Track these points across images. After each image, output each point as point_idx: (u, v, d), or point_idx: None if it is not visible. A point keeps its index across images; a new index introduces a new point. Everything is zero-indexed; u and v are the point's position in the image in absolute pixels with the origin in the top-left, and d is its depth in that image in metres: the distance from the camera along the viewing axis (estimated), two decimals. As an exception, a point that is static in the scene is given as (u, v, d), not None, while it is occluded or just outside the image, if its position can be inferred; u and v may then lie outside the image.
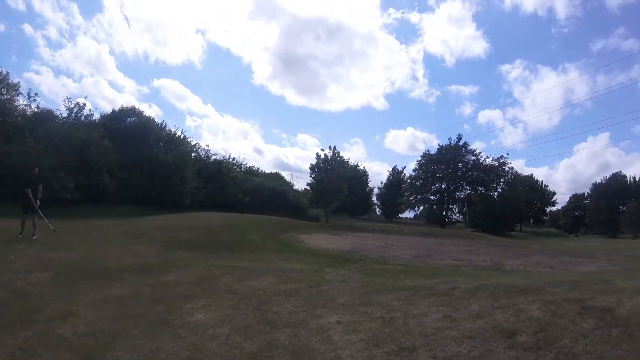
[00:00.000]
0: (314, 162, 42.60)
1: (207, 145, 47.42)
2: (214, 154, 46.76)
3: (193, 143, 43.08)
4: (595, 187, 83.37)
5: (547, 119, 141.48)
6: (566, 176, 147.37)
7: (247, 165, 60.34)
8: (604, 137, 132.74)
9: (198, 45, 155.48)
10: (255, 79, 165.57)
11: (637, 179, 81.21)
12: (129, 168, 32.90)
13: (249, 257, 12.96)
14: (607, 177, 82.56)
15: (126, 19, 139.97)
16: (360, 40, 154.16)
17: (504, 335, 5.06)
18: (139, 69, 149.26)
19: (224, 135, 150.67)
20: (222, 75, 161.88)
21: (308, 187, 45.52)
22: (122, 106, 38.04)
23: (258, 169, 63.46)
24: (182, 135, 40.36)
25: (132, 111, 37.29)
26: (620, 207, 77.41)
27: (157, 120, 40.51)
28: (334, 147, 42.34)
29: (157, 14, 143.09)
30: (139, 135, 34.79)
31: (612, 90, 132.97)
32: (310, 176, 42.52)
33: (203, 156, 45.37)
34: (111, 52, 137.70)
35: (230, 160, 53.27)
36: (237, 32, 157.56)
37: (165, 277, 9.57)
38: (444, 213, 63.59)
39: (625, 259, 20.09)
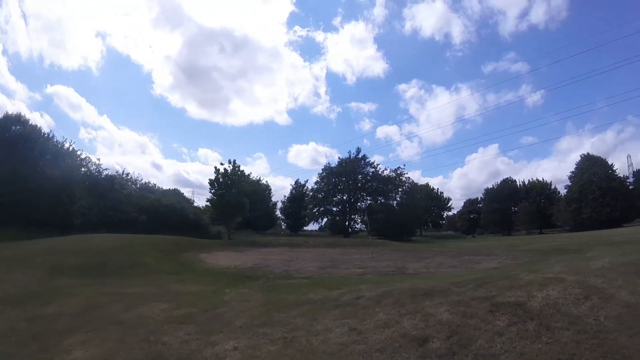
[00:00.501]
0: (213, 177, 40.99)
1: (99, 159, 43.73)
2: (106, 169, 43.09)
3: (83, 156, 39.43)
4: (488, 192, 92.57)
5: (441, 133, 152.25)
6: (460, 184, 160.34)
7: (143, 181, 57.04)
8: (493, 148, 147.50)
9: (97, 49, 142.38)
10: (156, 89, 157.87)
11: (526, 182, 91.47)
12: (10, 183, 29.15)
13: (142, 281, 11.85)
14: (498, 183, 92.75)
15: (24, 16, 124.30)
16: (265, 55, 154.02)
17: (415, 344, 4.87)
18: (32, 72, 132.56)
19: (121, 149, 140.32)
20: (120, 83, 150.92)
21: (209, 204, 43.64)
22: (7, 113, 33.97)
23: (155, 185, 60.17)
24: (71, 148, 36.62)
25: (17, 119, 33.33)
26: (512, 208, 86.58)
27: (45, 130, 36.04)
28: (234, 161, 40.94)
29: (58, 11, 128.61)
30: (22, 147, 31.00)
31: (500, 107, 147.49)
32: (210, 191, 40.65)
33: (94, 171, 41.71)
34: (4, 52, 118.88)
35: (124, 175, 49.87)
36: (139, 39, 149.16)
37: (46, 309, 8.45)
38: (346, 223, 64.74)
39: (523, 253, 21.12)
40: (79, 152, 38.74)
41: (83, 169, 39.62)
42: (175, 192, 64.89)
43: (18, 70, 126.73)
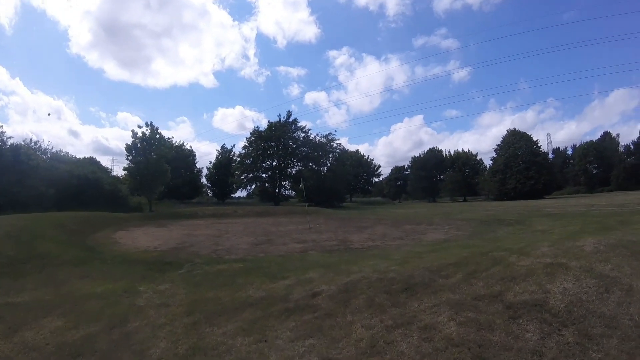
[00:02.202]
0: (130, 142, 36.91)
1: (1, 127, 37.94)
2: (10, 137, 36.82)
3: None
4: (415, 160, 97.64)
5: (368, 102, 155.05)
6: (385, 151, 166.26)
7: (54, 150, 51.06)
8: (418, 119, 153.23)
9: (10, 4, 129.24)
10: (72, 47, 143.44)
11: (452, 153, 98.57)
12: None
13: (36, 280, 9.32)
14: (425, 152, 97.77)
15: None
16: (192, 13, 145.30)
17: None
18: None
19: (35, 116, 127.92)
20: (34, 42, 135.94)
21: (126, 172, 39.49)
22: None
23: (67, 153, 54.22)
24: None
25: None
26: (438, 176, 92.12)
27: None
28: (151, 123, 37.07)
29: None
30: None
31: (428, 80, 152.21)
32: (127, 158, 36.60)
33: None
34: None
35: (32, 144, 44.14)
36: None
37: None
38: (276, 190, 63.05)
39: (465, 223, 21.15)
40: None
41: None
42: (91, 161, 59.54)
43: None
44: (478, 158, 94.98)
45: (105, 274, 9.57)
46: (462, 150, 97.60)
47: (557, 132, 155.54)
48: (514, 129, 79.63)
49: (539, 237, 11.62)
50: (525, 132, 77.73)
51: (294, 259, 10.98)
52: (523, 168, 70.78)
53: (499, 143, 79.74)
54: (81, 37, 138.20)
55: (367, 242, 14.69)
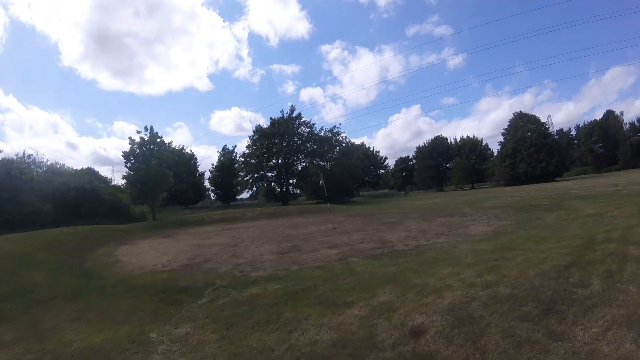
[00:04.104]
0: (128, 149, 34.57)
1: None
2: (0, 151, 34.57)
3: None
4: (420, 150, 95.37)
5: (365, 95, 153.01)
6: (384, 144, 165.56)
7: (49, 162, 48.39)
8: (415, 109, 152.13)
9: None
10: (63, 60, 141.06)
11: (457, 140, 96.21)
12: None
13: (17, 328, 7.09)
14: (430, 140, 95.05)
15: None
16: (182, 17, 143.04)
17: None
18: None
19: (31, 132, 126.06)
20: (26, 58, 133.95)
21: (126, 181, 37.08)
22: None
23: (64, 165, 51.61)
24: None
25: None
26: (444, 164, 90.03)
27: None
28: (151, 128, 34.72)
29: None
30: None
31: (422, 68, 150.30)
32: (126, 166, 34.29)
33: None
34: None
35: (25, 158, 41.86)
36: (44, 6, 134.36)
37: None
38: (284, 189, 60.65)
39: (500, 211, 19.43)
40: None
41: None
42: (89, 172, 57.00)
43: None
44: (484, 144, 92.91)
45: (105, 313, 7.36)
46: (468, 137, 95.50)
47: (556, 114, 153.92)
48: (520, 111, 77.85)
49: (610, 221, 11.03)
50: (533, 114, 75.65)
51: (341, 272, 8.82)
52: (533, 151, 69.19)
53: (506, 127, 77.89)
54: (72, 50, 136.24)
55: (410, 241, 12.71)
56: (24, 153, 44.21)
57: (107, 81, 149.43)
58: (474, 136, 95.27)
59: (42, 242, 16.46)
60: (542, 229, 12.20)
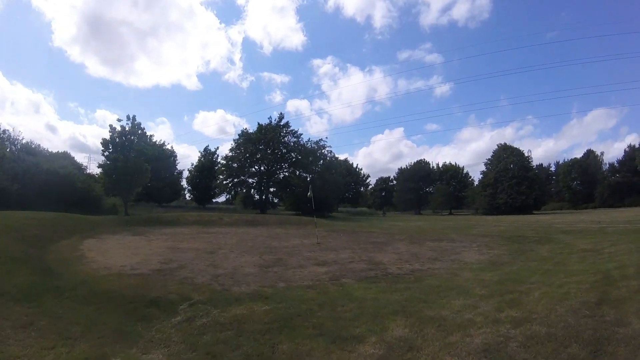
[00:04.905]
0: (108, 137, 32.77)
1: None
2: None
3: None
4: (402, 171, 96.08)
5: (350, 112, 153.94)
6: (364, 162, 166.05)
7: (24, 140, 45.87)
8: (399, 131, 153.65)
9: None
10: (54, 40, 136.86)
11: (439, 165, 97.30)
12: None
13: None
14: (412, 163, 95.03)
15: None
16: (179, 13, 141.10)
17: None
18: None
19: (12, 108, 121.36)
20: (17, 32, 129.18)
21: (101, 170, 35.11)
22: None
23: (39, 145, 48.76)
24: None
25: None
26: (425, 188, 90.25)
27: None
28: (134, 117, 33.08)
29: None
30: None
31: (410, 93, 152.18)
32: (103, 154, 32.18)
33: None
34: None
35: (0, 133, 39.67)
36: None
37: None
38: (263, 197, 59.04)
39: (489, 239, 19.17)
40: None
41: None
42: (64, 156, 54.55)
43: None
44: (465, 172, 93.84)
45: (59, 323, 6.13)
46: (450, 163, 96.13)
47: (536, 149, 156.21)
48: (505, 143, 79.36)
49: (611, 257, 11.13)
50: (516, 147, 76.90)
51: (337, 296, 7.89)
52: (515, 183, 70.53)
53: (489, 157, 78.96)
54: (65, 31, 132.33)
55: (404, 264, 11.98)
56: (-1, 127, 41.86)
57: (95, 67, 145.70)
58: (455, 163, 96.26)
59: (2, 225, 14.96)
60: (541, 262, 11.79)
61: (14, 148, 41.13)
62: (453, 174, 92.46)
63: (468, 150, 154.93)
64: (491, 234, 21.47)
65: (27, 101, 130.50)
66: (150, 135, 38.93)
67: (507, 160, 74.07)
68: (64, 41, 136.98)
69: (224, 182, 59.63)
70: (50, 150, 52.34)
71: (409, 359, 4.66)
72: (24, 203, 27.26)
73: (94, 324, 6.07)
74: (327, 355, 4.84)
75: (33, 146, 45.91)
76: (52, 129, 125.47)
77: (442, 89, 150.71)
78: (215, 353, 5.01)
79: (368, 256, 13.73)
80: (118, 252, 13.67)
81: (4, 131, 41.79)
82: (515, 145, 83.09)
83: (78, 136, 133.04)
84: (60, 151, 56.44)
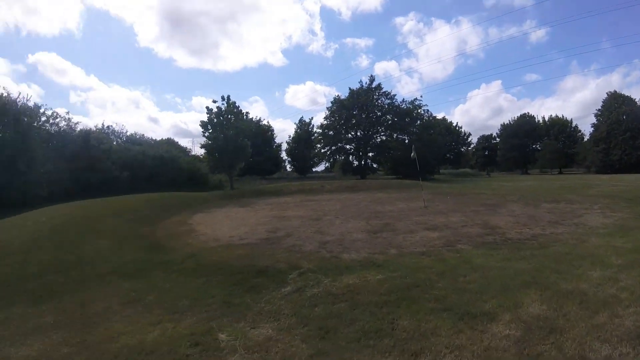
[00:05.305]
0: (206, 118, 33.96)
1: (68, 113, 36.22)
2: (77, 123, 34.84)
3: (48, 112, 31.33)
4: (505, 127, 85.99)
5: (442, 69, 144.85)
6: (462, 120, 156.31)
7: (128, 133, 49.54)
8: (496, 84, 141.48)
9: (74, 9, 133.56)
10: (140, 42, 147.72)
11: (546, 118, 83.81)
12: None
13: (60, 310, 5.77)
14: (515, 118, 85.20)
15: None
16: None
17: None
18: (10, 45, 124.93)
19: (114, 107, 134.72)
20: (103, 41, 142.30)
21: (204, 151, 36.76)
22: None
23: (143, 135, 52.57)
24: (21, 102, 28.32)
25: None
26: (532, 145, 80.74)
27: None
28: (228, 97, 33.83)
29: None
30: None
31: (503, 42, 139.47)
32: (204, 135, 33.68)
33: (65, 129, 33.40)
34: None
35: (104, 129, 42.94)
36: None
37: None
38: (362, 163, 58.11)
39: (610, 200, 16.51)
40: (41, 108, 30.45)
41: (49, 127, 31.75)
42: (169, 142, 58.32)
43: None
44: (573, 125, 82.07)
45: (166, 297, 5.87)
46: (557, 116, 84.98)
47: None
48: (615, 91, 66.90)
49: None
50: (628, 95, 65.07)
51: (456, 264, 6.96)
52: (629, 137, 59.45)
53: (599, 108, 68.17)
54: (147, 31, 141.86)
55: (522, 228, 10.61)
56: (102, 124, 45.43)
57: (183, 59, 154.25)
58: (562, 116, 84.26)
59: (114, 209, 15.76)
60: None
61: (119, 141, 44.33)
62: (561, 128, 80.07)
63: (573, 102, 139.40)
64: (611, 195, 18.65)
65: (127, 99, 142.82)
66: (246, 113, 39.62)
67: (619, 110, 63.48)
68: (149, 40, 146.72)
69: (322, 150, 59.77)
70: (154, 138, 55.90)
71: (552, 344, 3.74)
72: (135, 189, 29.08)
73: (201, 297, 5.73)
74: (455, 334, 4.03)
75: (138, 137, 49.33)
76: (154, 120, 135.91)
77: (538, 34, 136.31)
78: (328, 328, 4.35)
79: (481, 219, 12.38)
80: (226, 224, 13.72)
81: (108, 127, 45.25)
82: (624, 93, 69.42)
83: (179, 123, 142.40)
84: (164, 138, 60.21)
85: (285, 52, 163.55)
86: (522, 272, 6.13)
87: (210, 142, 33.77)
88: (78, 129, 34.35)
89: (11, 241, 10.11)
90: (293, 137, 67.35)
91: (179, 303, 5.54)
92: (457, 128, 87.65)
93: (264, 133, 60.98)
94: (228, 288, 6.09)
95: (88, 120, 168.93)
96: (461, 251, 7.97)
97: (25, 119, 27.52)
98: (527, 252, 7.67)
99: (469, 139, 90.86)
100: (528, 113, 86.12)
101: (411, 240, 9.35)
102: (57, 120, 32.90)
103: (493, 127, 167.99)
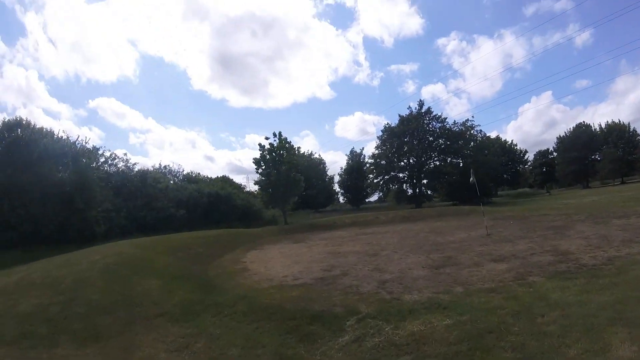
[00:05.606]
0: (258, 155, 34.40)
1: (126, 154, 38.09)
2: (135, 164, 37.08)
3: (107, 154, 33.54)
4: (561, 140, 79.66)
5: (489, 86, 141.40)
6: (516, 137, 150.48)
7: (185, 172, 51.20)
8: (546, 96, 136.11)
9: (130, 57, 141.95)
10: (194, 84, 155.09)
11: (602, 126, 77.14)
12: (10, 197, 23.56)
13: (108, 349, 5.62)
14: (571, 129, 79.13)
15: (51, 41, 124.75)
16: (296, 31, 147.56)
17: None
18: (71, 91, 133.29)
19: (172, 148, 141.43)
20: (159, 85, 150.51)
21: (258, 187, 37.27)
22: (5, 119, 27.48)
23: (199, 173, 54.22)
24: (80, 144, 30.21)
25: (16, 123, 27.58)
26: (591, 156, 74.67)
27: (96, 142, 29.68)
28: (280, 133, 34.38)
29: (83, 29, 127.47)
30: (20, 153, 24.86)
31: (548, 50, 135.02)
32: (257, 171, 34.36)
33: (124, 169, 35.48)
34: (41, 78, 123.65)
35: (161, 169, 44.52)
36: (169, 38, 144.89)
37: None
38: (416, 190, 56.77)
39: None
40: (100, 150, 32.50)
41: (108, 168, 33.74)
42: (224, 179, 59.59)
43: (57, 92, 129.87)
44: (631, 129, 74.20)
45: (215, 345, 5.48)
46: (613, 122, 77.86)
47: None
48: None
49: None
50: None
51: (530, 301, 6.17)
52: None
53: None
54: (200, 74, 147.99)
55: (596, 252, 9.67)
56: (159, 164, 47.14)
57: (235, 99, 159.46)
58: (619, 121, 77.05)
59: (167, 247, 15.80)
60: None
61: (176, 179, 45.73)
62: (619, 134, 73.97)
63: (627, 104, 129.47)
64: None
65: (184, 139, 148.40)
66: (298, 148, 40.04)
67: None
68: (202, 83, 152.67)
69: (375, 180, 59.16)
70: (210, 176, 57.32)
71: None
72: (191, 225, 29.75)
73: (252, 346, 5.32)
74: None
75: (194, 175, 50.72)
76: (209, 158, 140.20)
77: (582, 37, 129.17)
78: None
79: (551, 245, 11.40)
80: (280, 262, 13.37)
81: (165, 166, 46.83)
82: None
83: (234, 161, 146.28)
84: (219, 175, 61.65)
85: (332, 84, 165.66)
86: (604, 306, 5.37)
87: (263, 178, 34.15)
88: (136, 169, 36.06)
89: (62, 279, 10.19)
90: (345, 169, 67.40)
91: (228, 352, 5.17)
92: (512, 146, 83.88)
93: (316, 166, 61.37)
94: (280, 336, 5.63)
95: (147, 160, 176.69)
96: (534, 285, 7.14)
97: (84, 160, 29.06)
98: (606, 280, 6.85)
99: (526, 157, 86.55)
100: (584, 122, 78.57)
101: (477, 275, 8.55)
102: (116, 161, 34.97)
103: (548, 141, 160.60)
